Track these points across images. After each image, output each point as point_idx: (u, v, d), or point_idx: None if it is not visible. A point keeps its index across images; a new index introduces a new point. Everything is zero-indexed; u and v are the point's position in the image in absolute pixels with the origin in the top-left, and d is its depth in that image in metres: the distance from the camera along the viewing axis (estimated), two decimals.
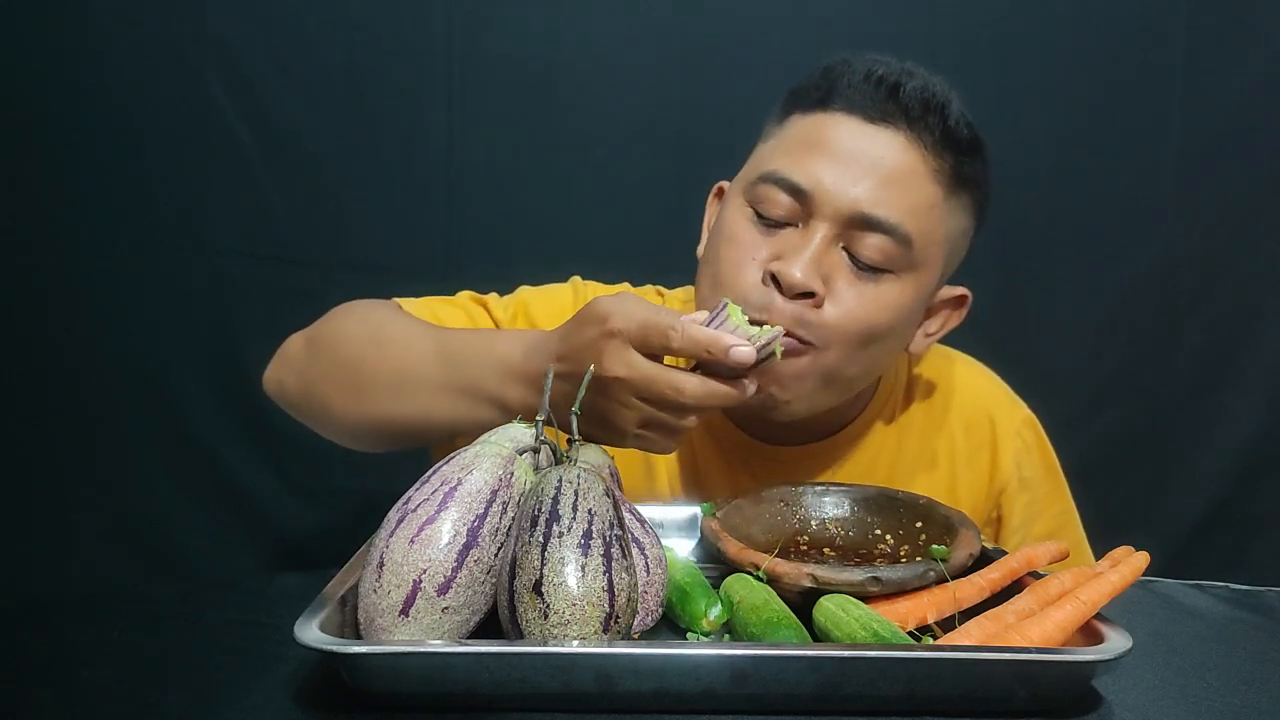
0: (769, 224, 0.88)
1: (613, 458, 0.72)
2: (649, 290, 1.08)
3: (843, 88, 0.88)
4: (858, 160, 0.85)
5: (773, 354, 0.70)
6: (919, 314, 0.94)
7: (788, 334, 0.83)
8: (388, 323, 0.91)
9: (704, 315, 0.71)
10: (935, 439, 1.03)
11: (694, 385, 0.69)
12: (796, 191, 0.86)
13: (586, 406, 0.68)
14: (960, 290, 0.97)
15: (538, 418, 0.67)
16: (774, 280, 0.85)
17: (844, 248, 0.86)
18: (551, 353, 0.74)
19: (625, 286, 1.06)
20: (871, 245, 0.86)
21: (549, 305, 1.01)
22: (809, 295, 0.84)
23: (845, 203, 0.85)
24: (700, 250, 0.98)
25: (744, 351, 0.68)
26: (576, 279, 1.06)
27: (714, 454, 1.01)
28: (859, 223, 0.85)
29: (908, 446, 1.02)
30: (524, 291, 1.05)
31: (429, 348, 0.85)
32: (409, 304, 0.98)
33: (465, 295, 1.03)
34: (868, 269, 0.86)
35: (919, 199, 0.86)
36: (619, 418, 0.71)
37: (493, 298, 1.04)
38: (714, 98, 1.50)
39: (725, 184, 0.99)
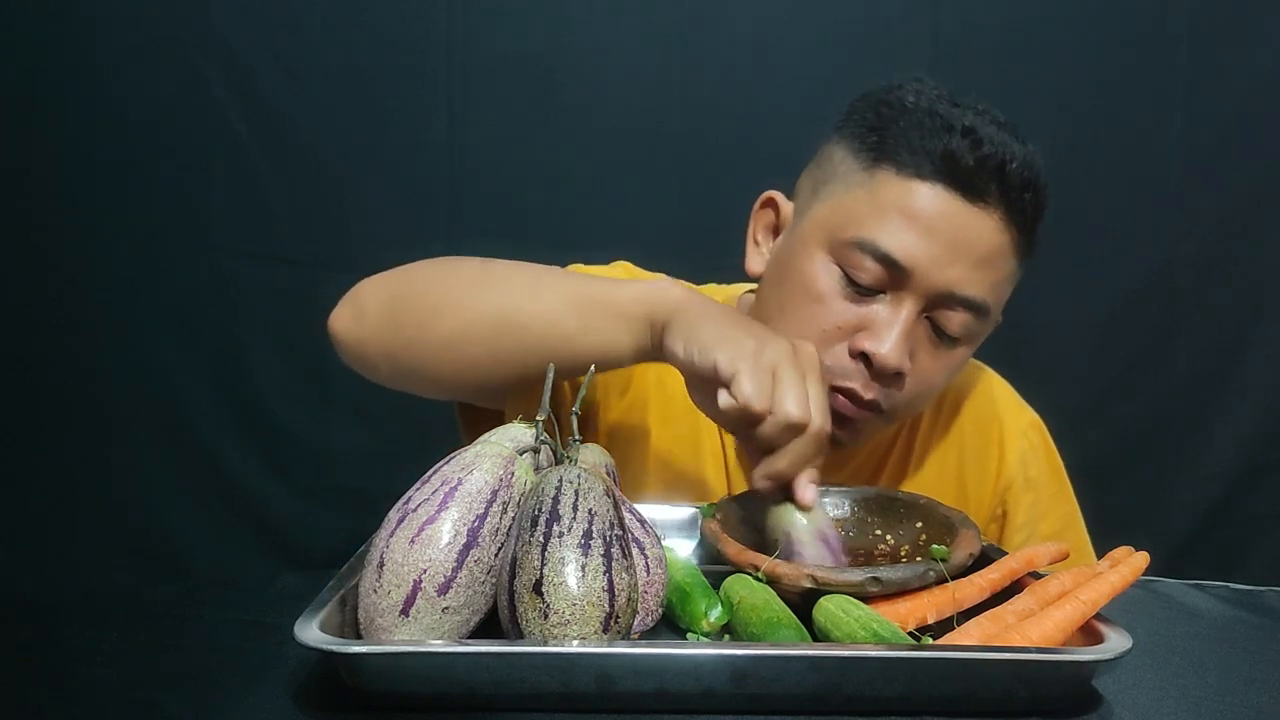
0: (859, 290, 0.87)
1: (611, 456, 0.73)
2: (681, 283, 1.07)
3: (944, 160, 0.85)
4: (955, 241, 0.85)
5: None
6: None
7: (870, 405, 0.88)
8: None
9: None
10: (949, 423, 1.04)
11: (813, 417, 0.69)
12: (891, 264, 0.85)
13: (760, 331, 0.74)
14: None
15: (537, 417, 0.67)
16: (863, 357, 0.86)
17: (927, 317, 0.88)
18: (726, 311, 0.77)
19: (662, 277, 1.05)
20: (956, 321, 0.87)
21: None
22: (899, 376, 0.87)
23: (939, 282, 0.85)
24: (754, 268, 0.97)
25: (809, 490, 0.71)
26: (626, 263, 1.05)
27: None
28: (947, 300, 0.87)
29: (924, 415, 1.04)
30: (576, 269, 1.03)
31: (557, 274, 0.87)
32: None
33: None
34: (948, 339, 0.89)
35: (1002, 274, 0.89)
36: (781, 354, 0.71)
37: None
38: (716, 96, 1.51)
39: (776, 195, 0.97)
